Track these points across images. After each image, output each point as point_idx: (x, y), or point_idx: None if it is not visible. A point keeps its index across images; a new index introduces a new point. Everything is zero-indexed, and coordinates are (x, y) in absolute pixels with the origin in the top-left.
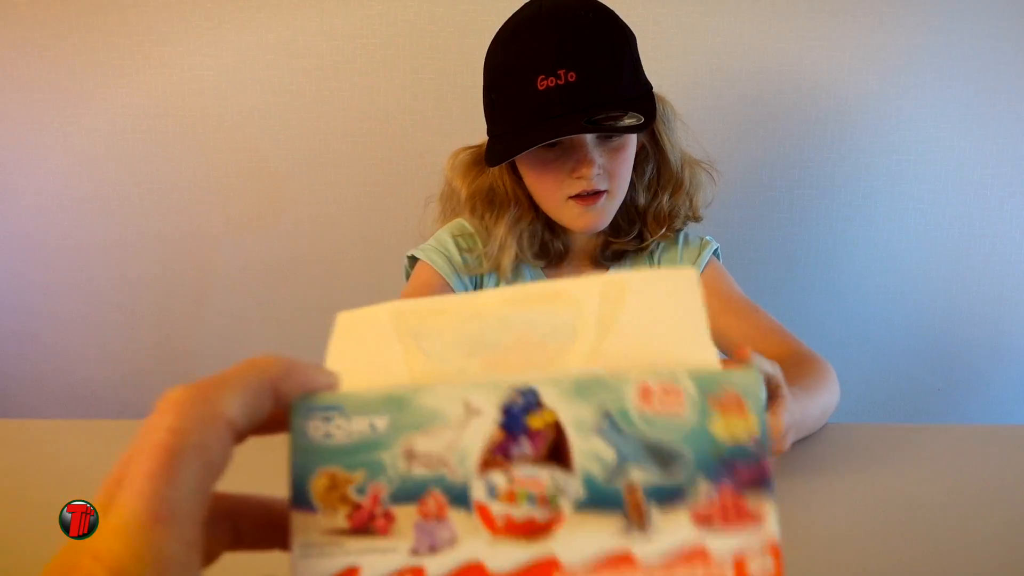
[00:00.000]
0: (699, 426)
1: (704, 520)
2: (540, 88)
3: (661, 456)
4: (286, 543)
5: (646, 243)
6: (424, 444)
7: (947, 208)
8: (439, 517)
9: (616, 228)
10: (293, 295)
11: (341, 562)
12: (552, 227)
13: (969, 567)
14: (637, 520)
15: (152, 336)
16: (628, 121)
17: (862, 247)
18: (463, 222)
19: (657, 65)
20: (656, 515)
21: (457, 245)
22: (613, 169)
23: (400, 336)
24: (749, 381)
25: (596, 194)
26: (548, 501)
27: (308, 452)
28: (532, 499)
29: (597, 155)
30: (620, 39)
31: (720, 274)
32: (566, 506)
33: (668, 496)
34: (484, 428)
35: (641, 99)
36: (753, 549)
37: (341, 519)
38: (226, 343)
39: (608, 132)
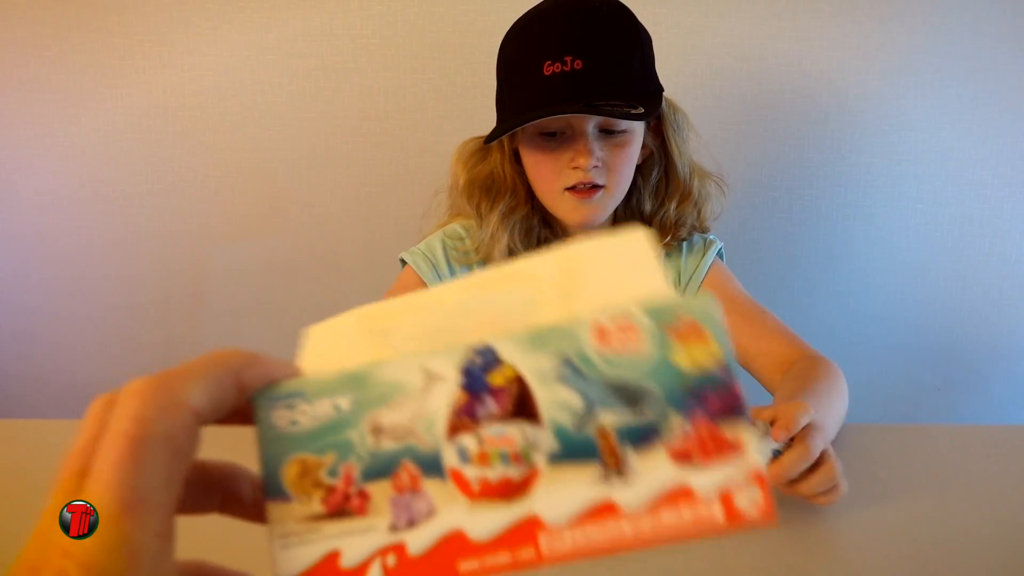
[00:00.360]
0: (661, 359)
1: (682, 456)
2: (546, 73)
3: (628, 395)
4: (224, 506)
5: None
6: (390, 417)
7: (947, 208)
8: (414, 489)
9: None
10: (293, 294)
11: (321, 548)
12: (551, 224)
13: (969, 567)
14: (614, 465)
15: (153, 336)
16: (628, 111)
17: (862, 247)
18: (457, 227)
19: (657, 65)
20: (632, 457)
21: (445, 248)
22: (613, 164)
23: (367, 338)
24: (705, 305)
25: (593, 188)
26: (521, 457)
27: (276, 442)
28: (505, 458)
29: (597, 147)
30: (633, 35)
31: (724, 274)
32: (540, 460)
33: (642, 436)
34: (447, 392)
35: (648, 97)
36: (737, 481)
37: (316, 504)
38: (227, 342)
39: (606, 116)
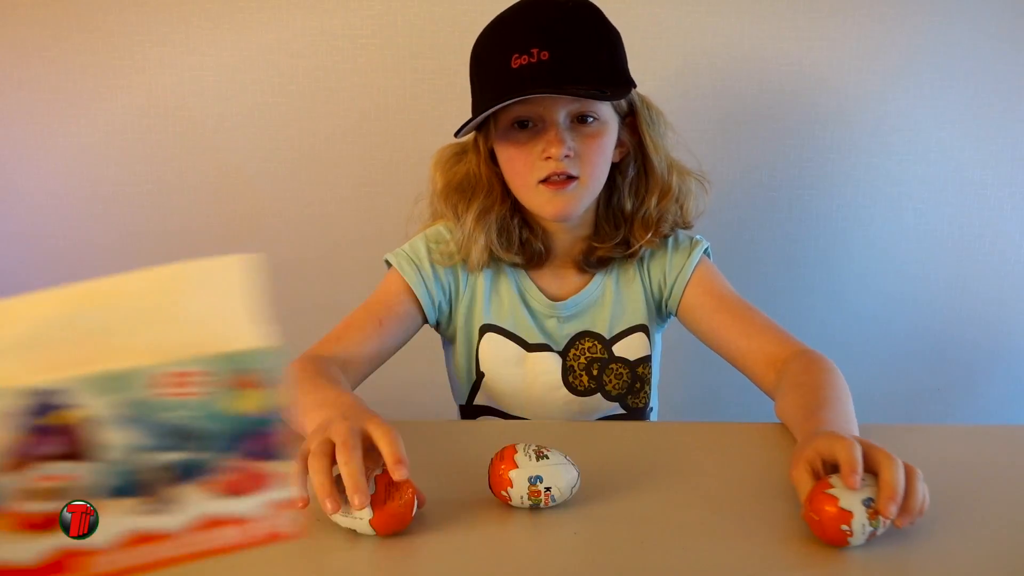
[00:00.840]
0: (215, 405)
1: (223, 489)
2: (514, 66)
3: (181, 436)
4: None
5: (633, 248)
6: None
7: (947, 208)
8: None
9: (600, 232)
10: (293, 294)
11: None
12: (531, 226)
13: (967, 568)
14: (160, 499)
15: None
16: (594, 92)
17: (862, 247)
18: (441, 228)
19: (657, 65)
20: (181, 490)
21: (429, 251)
22: (585, 155)
23: None
24: (260, 359)
25: (567, 180)
26: (69, 493)
27: None
28: (53, 494)
29: (569, 138)
30: (602, 32)
31: (711, 273)
32: (89, 495)
33: (193, 471)
34: (1, 433)
35: (617, 87)
36: (273, 506)
37: None
38: None
39: (572, 96)
